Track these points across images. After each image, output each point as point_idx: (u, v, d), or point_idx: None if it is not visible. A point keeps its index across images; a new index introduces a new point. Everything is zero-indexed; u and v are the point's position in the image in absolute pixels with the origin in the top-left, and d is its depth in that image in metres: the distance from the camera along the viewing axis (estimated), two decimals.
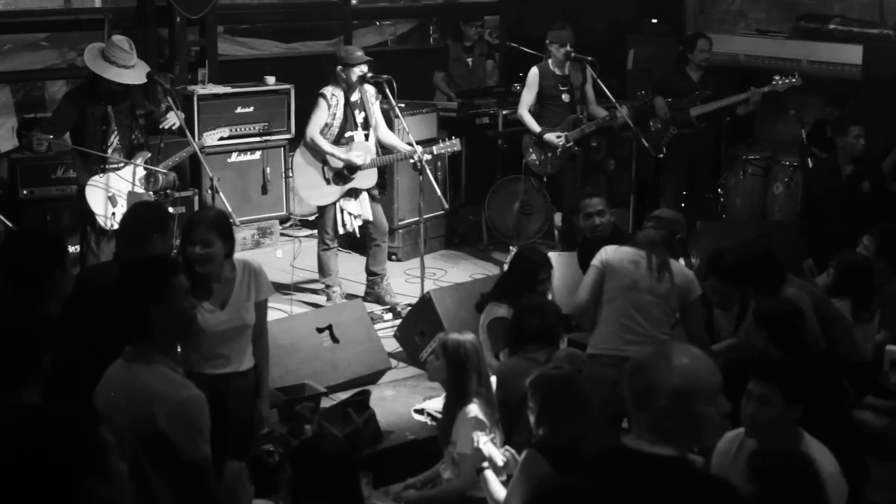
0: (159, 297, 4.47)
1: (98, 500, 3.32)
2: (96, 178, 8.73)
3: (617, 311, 6.64)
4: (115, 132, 8.82)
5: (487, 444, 5.73)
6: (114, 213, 8.69)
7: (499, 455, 5.66)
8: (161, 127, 9.10)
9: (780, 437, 4.77)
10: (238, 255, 6.15)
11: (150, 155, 8.98)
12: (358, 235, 9.89)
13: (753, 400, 4.80)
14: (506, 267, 10.55)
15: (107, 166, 8.79)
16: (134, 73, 8.77)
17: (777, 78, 10.85)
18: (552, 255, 9.33)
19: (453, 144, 9.82)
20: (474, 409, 5.98)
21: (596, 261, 6.84)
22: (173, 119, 9.02)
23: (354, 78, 9.51)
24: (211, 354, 5.92)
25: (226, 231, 5.99)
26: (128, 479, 3.48)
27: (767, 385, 4.79)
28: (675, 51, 12.17)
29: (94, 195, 8.72)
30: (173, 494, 4.38)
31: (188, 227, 6.01)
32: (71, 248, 7.53)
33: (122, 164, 8.81)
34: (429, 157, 9.53)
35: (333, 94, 9.53)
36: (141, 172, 8.88)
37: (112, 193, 8.73)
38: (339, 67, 9.57)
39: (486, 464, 5.67)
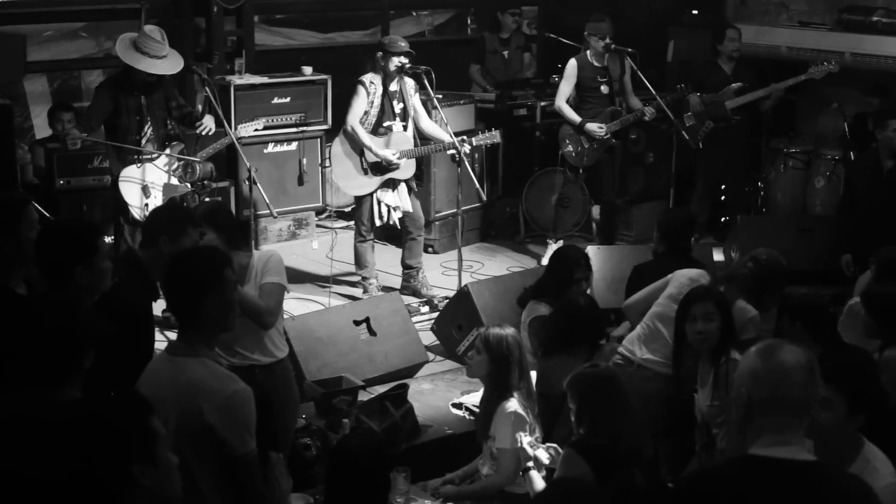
0: (216, 287, 4.45)
1: (144, 488, 3.33)
2: (131, 168, 8.73)
3: (649, 315, 6.71)
4: (149, 122, 8.84)
5: (534, 445, 5.67)
6: (147, 204, 8.68)
7: (544, 454, 5.60)
8: (198, 132, 9.09)
9: (838, 441, 4.64)
10: (273, 247, 6.13)
11: (183, 146, 8.97)
12: (398, 227, 9.82)
13: (826, 402, 4.66)
14: (543, 261, 10.53)
15: (141, 157, 8.78)
16: (166, 64, 8.77)
17: (813, 67, 10.77)
18: (590, 249, 9.29)
19: (493, 136, 9.76)
20: (514, 405, 5.93)
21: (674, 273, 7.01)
22: (210, 124, 9.05)
23: (392, 67, 9.46)
24: (224, 346, 5.92)
25: (218, 222, 5.99)
26: (177, 470, 3.46)
27: (833, 389, 4.64)
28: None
29: (128, 186, 8.71)
30: (218, 489, 4.35)
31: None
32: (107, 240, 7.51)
33: (156, 155, 8.80)
34: (468, 148, 9.47)
35: (372, 82, 9.49)
36: (175, 163, 8.86)
37: (146, 184, 8.71)
38: (380, 55, 9.53)
39: (531, 463, 5.61)
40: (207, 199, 9.39)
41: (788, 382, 3.50)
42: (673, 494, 3.58)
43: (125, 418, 3.36)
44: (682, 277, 6.83)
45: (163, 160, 8.83)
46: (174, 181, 8.88)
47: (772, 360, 3.54)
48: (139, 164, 8.76)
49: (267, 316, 6.06)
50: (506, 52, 12.93)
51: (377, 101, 9.52)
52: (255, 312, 5.99)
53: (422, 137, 9.78)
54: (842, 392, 4.60)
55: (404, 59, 9.47)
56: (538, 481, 5.59)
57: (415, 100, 9.69)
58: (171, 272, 4.59)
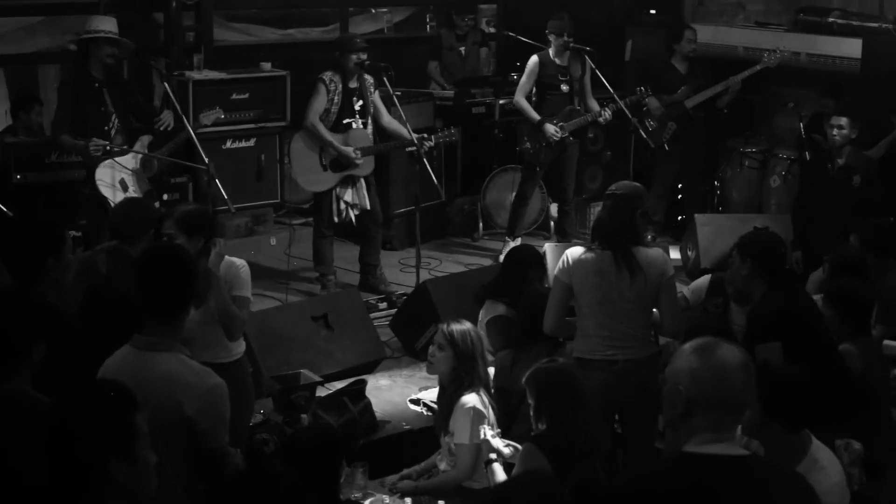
0: (194, 287, 4.63)
1: (118, 485, 3.35)
2: (106, 163, 8.69)
3: (596, 325, 6.39)
4: (114, 114, 8.80)
5: (495, 437, 5.69)
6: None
7: (506, 448, 5.62)
8: (156, 128, 9.06)
9: (783, 441, 4.72)
10: (231, 243, 6.17)
11: (152, 138, 8.96)
12: (355, 224, 9.84)
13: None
14: (501, 258, 10.56)
15: (112, 149, 8.75)
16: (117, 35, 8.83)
17: (766, 55, 10.88)
18: (548, 245, 9.36)
19: (451, 134, 9.79)
20: (473, 400, 5.95)
21: (560, 273, 6.45)
22: (168, 120, 9.02)
23: (351, 64, 9.48)
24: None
25: (192, 227, 6.01)
26: (155, 469, 3.48)
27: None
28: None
29: (104, 180, 8.66)
30: (186, 482, 4.37)
31: (160, 221, 6.06)
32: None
33: (125, 149, 8.78)
34: (430, 144, 9.50)
35: (332, 80, 9.50)
36: (140, 157, 8.85)
37: (122, 178, 8.68)
38: (337, 53, 9.54)
39: (493, 455, 5.63)
40: (187, 203, 9.41)
41: (728, 382, 3.51)
42: (611, 495, 3.59)
43: (109, 411, 3.38)
44: (586, 274, 6.36)
45: (131, 152, 8.83)
46: (140, 169, 8.88)
47: (712, 358, 3.53)
48: (108, 158, 8.71)
49: (240, 329, 6.14)
50: (463, 49, 12.97)
51: (337, 99, 9.53)
52: (232, 322, 6.06)
53: (382, 134, 9.79)
54: (758, 397, 4.69)
55: (362, 56, 9.49)
56: (500, 474, 5.60)
57: (374, 97, 9.70)
58: (158, 269, 4.61)
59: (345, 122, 9.56)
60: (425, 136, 9.55)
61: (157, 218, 6.15)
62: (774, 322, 6.10)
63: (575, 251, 6.47)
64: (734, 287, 6.70)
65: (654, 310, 6.48)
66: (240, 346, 6.35)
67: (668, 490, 3.42)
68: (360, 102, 9.61)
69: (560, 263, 6.47)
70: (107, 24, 8.81)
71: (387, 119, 9.75)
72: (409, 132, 9.51)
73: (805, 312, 6.37)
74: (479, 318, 7.46)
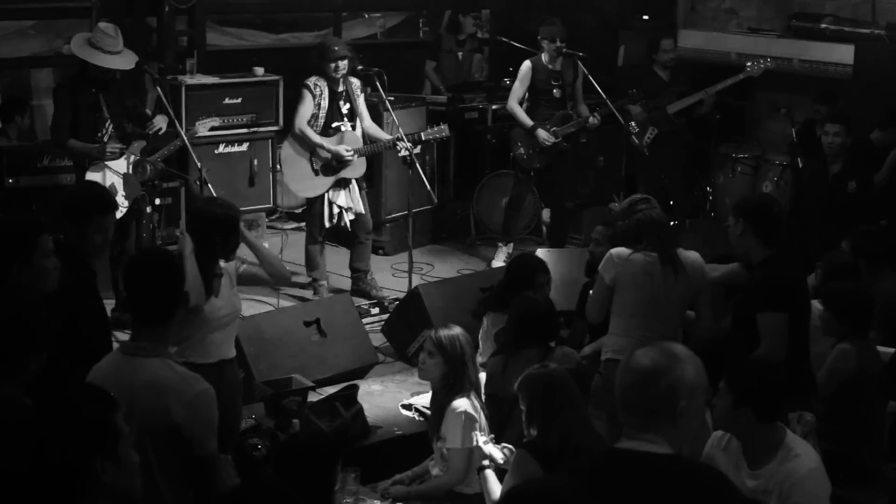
0: (182, 286, 4.62)
1: (104, 485, 3.34)
2: (97, 167, 8.68)
3: (639, 325, 6.46)
4: (109, 120, 8.79)
5: (488, 443, 5.69)
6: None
7: (498, 453, 5.62)
8: (148, 132, 9.03)
9: (757, 434, 4.74)
10: None
11: (145, 143, 8.95)
12: (350, 229, 9.81)
13: (720, 392, 4.81)
14: (493, 263, 10.57)
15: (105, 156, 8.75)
16: (121, 59, 8.75)
17: (749, 64, 10.87)
18: (540, 251, 9.33)
19: (441, 130, 9.76)
20: (464, 404, 5.95)
21: (606, 274, 6.58)
22: (161, 123, 9.00)
23: (330, 72, 9.43)
24: (202, 342, 6.03)
25: None
26: (139, 469, 3.47)
27: (726, 380, 4.79)
28: None
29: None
30: (176, 489, 4.37)
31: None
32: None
33: (118, 152, 8.78)
34: (408, 146, 9.43)
35: (317, 85, 9.48)
36: (133, 160, 8.85)
37: (113, 182, 8.67)
38: (317, 60, 9.53)
39: (486, 462, 5.63)
40: (158, 202, 9.41)
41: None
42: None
43: (90, 412, 3.37)
44: (633, 274, 6.51)
45: (123, 157, 8.82)
46: (134, 176, 8.87)
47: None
48: (99, 162, 8.71)
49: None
50: (460, 54, 12.99)
51: (324, 103, 9.50)
52: (277, 262, 6.75)
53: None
54: (728, 383, 4.73)
55: (341, 63, 9.43)
56: (493, 480, 5.60)
57: (360, 99, 9.68)
58: (146, 275, 4.59)
59: (333, 125, 9.54)
60: (407, 143, 9.46)
61: (81, 212, 5.91)
62: (780, 293, 6.21)
63: (622, 251, 6.58)
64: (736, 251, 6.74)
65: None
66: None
67: (596, 484, 3.48)
68: (348, 106, 9.59)
69: (610, 263, 6.60)
70: (111, 43, 8.71)
71: (367, 123, 9.73)
72: (402, 137, 9.48)
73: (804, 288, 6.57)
74: (484, 329, 7.43)
